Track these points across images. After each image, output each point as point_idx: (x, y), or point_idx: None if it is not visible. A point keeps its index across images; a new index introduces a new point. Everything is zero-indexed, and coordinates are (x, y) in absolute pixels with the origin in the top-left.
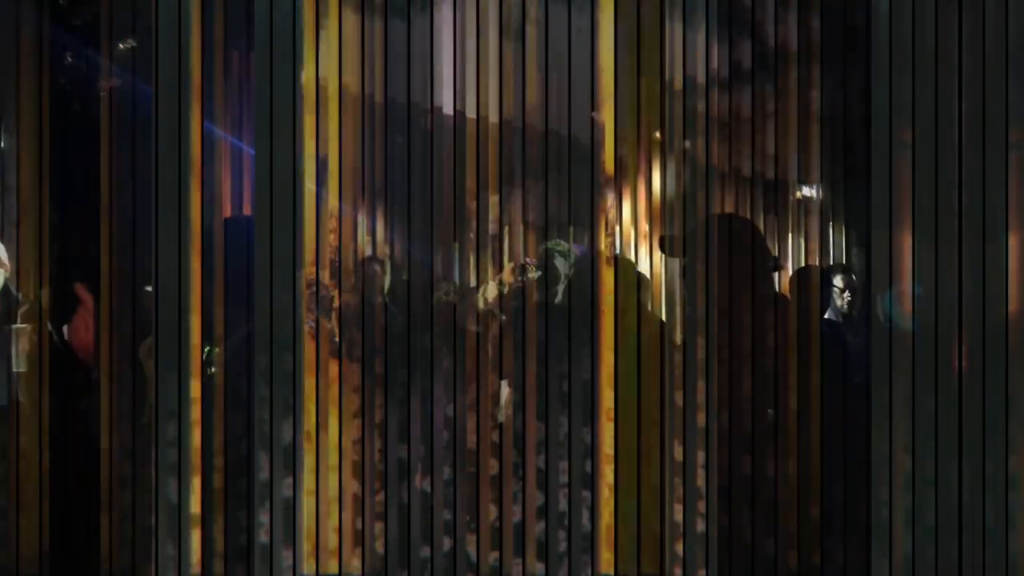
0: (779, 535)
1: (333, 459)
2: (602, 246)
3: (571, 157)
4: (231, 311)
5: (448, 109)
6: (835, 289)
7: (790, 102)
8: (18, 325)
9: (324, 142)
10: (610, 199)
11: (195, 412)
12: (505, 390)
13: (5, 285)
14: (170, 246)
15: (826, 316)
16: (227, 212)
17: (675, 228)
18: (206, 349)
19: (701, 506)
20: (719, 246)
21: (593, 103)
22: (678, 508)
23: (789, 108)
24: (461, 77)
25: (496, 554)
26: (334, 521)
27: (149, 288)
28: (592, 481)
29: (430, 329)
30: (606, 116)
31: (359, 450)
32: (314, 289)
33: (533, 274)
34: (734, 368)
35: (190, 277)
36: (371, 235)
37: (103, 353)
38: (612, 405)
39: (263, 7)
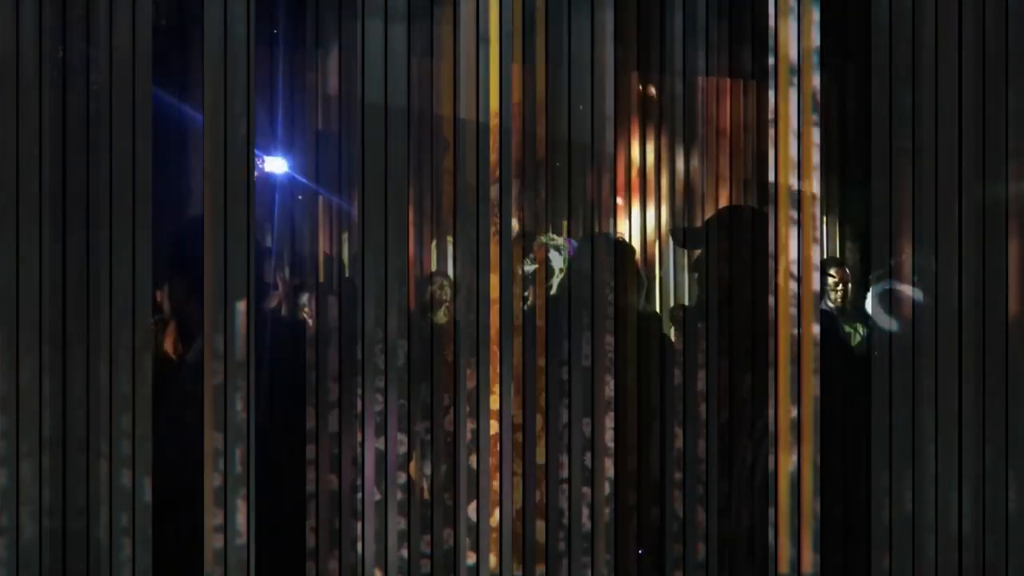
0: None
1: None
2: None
3: (571, 148)
4: None
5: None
6: (829, 281)
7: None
8: None
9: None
10: (609, 189)
11: None
12: None
13: None
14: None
15: (821, 307)
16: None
17: (687, 221)
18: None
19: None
20: (726, 239)
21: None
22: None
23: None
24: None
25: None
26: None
27: None
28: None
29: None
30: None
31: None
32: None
33: (529, 267)
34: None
35: None
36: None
37: None
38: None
39: None
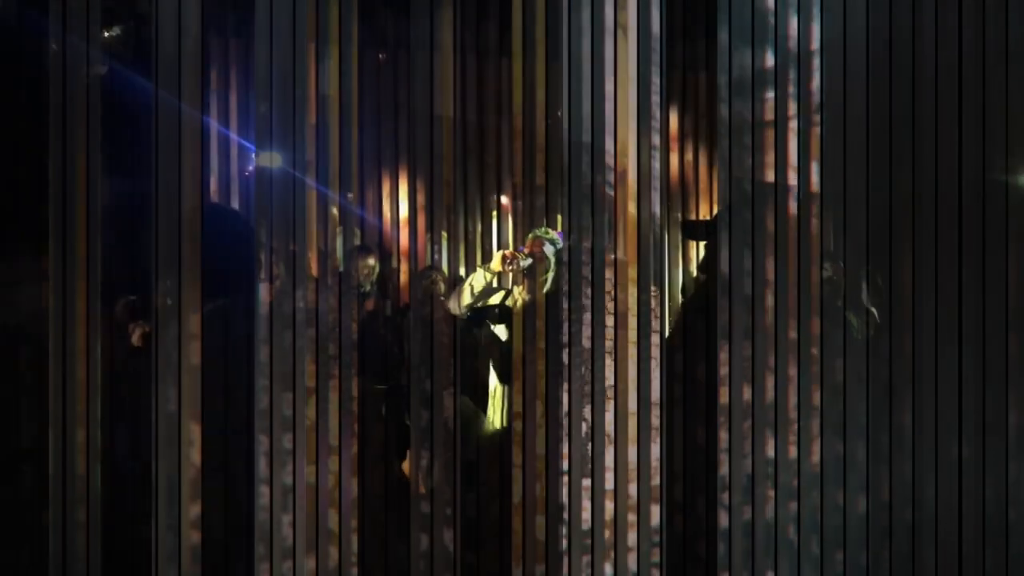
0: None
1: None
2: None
3: (570, 147)
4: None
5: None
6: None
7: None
8: None
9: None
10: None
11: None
12: None
13: None
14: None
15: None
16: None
17: (695, 215)
18: None
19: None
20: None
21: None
22: None
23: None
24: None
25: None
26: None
27: None
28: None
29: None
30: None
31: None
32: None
33: (524, 262)
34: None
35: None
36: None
37: None
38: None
39: None
